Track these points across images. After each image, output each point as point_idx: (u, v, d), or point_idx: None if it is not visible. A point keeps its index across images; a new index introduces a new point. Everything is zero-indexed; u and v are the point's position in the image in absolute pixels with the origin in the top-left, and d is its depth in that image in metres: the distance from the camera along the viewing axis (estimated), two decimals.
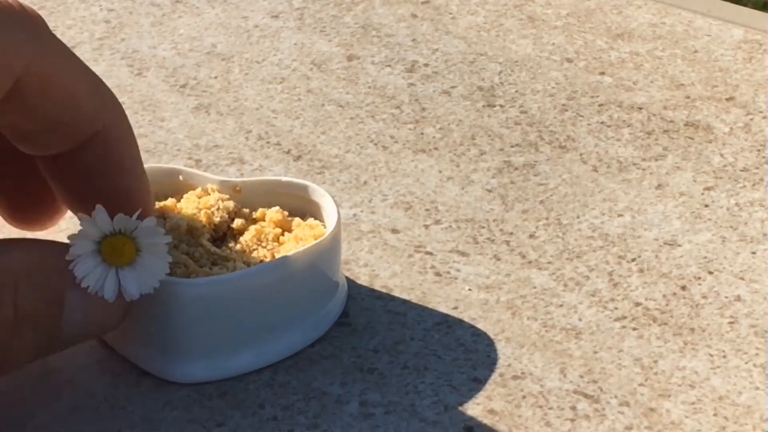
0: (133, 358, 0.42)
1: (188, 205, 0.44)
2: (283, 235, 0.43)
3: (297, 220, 0.44)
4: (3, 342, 0.37)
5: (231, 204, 0.44)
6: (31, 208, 0.43)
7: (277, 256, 0.42)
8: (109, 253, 0.39)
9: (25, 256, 0.38)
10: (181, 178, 0.45)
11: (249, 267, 0.42)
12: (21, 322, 0.37)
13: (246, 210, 0.45)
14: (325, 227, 0.43)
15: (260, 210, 0.44)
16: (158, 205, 0.44)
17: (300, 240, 0.43)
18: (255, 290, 0.41)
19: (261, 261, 0.42)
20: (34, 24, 0.37)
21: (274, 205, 0.44)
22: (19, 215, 0.43)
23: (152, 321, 0.41)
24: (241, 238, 0.43)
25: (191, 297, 0.40)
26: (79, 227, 0.38)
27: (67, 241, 0.39)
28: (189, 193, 0.45)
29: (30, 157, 0.40)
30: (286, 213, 0.44)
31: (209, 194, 0.45)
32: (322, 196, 0.44)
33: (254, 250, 0.43)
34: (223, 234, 0.44)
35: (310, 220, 0.44)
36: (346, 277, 0.46)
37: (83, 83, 0.39)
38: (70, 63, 0.38)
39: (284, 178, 0.45)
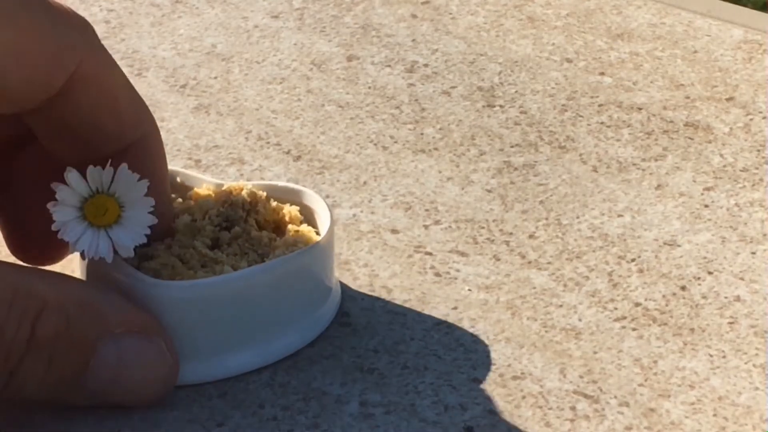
0: None
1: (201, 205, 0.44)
2: (275, 240, 0.43)
3: (290, 225, 0.44)
4: (4, 365, 0.36)
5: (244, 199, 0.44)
6: (39, 241, 0.42)
7: (267, 260, 0.42)
8: (94, 215, 0.39)
9: (60, 286, 0.38)
10: (178, 179, 0.45)
11: (234, 271, 0.42)
12: (33, 349, 0.37)
13: (242, 213, 0.44)
14: (318, 233, 0.43)
15: (278, 206, 0.44)
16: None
17: (291, 245, 0.43)
18: (236, 294, 0.41)
19: (249, 266, 0.42)
20: (85, 28, 0.38)
21: (269, 210, 0.44)
22: (27, 247, 0.43)
23: None
24: (234, 243, 0.43)
25: (169, 299, 0.40)
26: (57, 195, 0.39)
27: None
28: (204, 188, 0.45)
29: (40, 189, 0.40)
30: (297, 211, 0.44)
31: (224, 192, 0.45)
32: (316, 202, 0.44)
33: (245, 254, 0.43)
34: (223, 233, 0.44)
35: (303, 226, 0.44)
36: (346, 277, 0.46)
37: (125, 91, 0.39)
38: (115, 70, 0.39)
39: (280, 183, 0.45)
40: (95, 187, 0.39)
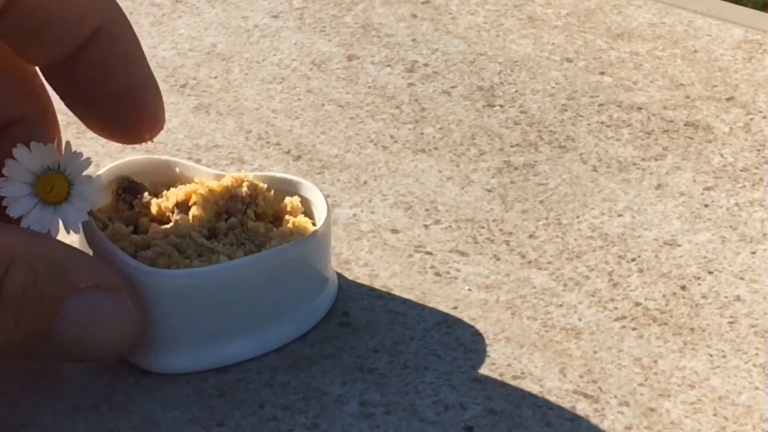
0: None
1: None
2: (273, 230, 0.43)
3: (287, 216, 0.44)
4: None
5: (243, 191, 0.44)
6: (127, 117, 0.42)
7: (263, 251, 0.42)
8: (46, 192, 0.39)
9: (29, 241, 0.38)
10: (177, 170, 0.45)
11: (230, 261, 0.42)
12: (3, 302, 0.37)
13: (241, 206, 0.44)
14: (315, 224, 0.44)
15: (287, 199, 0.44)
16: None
17: (288, 235, 0.43)
18: (232, 284, 0.41)
19: (245, 255, 0.42)
20: None
21: (267, 200, 0.44)
22: (115, 125, 0.42)
23: None
24: (231, 233, 0.43)
25: (165, 287, 0.41)
26: (5, 171, 0.39)
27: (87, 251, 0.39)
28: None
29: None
30: (298, 202, 0.44)
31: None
32: (313, 193, 0.44)
33: (242, 244, 0.43)
34: (218, 226, 0.44)
35: (300, 217, 0.44)
36: (346, 277, 0.46)
37: None
38: None
39: (278, 174, 0.45)
40: (45, 164, 0.39)
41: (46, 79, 0.41)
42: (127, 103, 0.40)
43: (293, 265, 0.42)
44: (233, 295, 0.41)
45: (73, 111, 0.42)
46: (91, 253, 0.42)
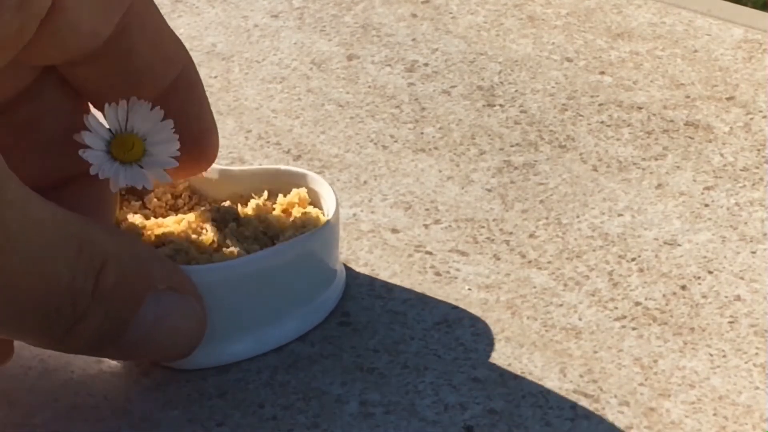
0: None
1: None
2: (283, 222, 0.44)
3: (297, 207, 0.44)
4: (71, 315, 0.37)
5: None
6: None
7: (277, 243, 0.43)
8: (122, 153, 0.40)
9: (120, 240, 0.38)
10: None
11: (248, 254, 0.42)
12: (96, 300, 0.37)
13: (254, 197, 0.45)
14: (324, 215, 0.44)
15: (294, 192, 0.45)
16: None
17: (299, 227, 0.43)
18: (253, 277, 0.42)
19: (261, 248, 0.42)
20: None
21: (274, 194, 0.45)
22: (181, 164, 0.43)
23: None
24: (242, 227, 0.43)
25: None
26: (84, 140, 0.40)
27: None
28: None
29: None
30: (305, 194, 0.44)
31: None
32: (320, 185, 0.44)
33: (256, 237, 0.43)
34: (228, 221, 0.44)
35: (310, 208, 0.44)
36: (346, 277, 0.46)
37: (167, 28, 0.40)
38: (156, 8, 0.39)
39: (283, 167, 0.46)
40: (114, 127, 0.40)
41: None
42: (195, 146, 0.42)
43: (310, 256, 0.43)
44: (255, 287, 0.42)
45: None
46: None
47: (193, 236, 0.43)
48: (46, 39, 0.37)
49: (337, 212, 0.43)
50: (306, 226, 0.43)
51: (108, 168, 0.40)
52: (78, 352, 0.39)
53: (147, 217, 0.44)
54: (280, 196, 0.45)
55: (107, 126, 0.40)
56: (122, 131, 0.40)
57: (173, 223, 0.43)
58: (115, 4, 0.38)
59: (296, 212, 0.44)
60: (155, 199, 0.45)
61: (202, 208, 0.45)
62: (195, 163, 0.44)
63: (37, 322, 0.37)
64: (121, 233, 0.40)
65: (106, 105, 0.40)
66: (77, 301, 0.37)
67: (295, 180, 0.45)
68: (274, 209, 0.44)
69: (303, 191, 0.45)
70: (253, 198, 0.45)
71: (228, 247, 0.42)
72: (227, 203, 0.45)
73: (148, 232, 0.43)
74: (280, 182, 0.45)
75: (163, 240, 0.42)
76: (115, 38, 0.38)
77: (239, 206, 0.45)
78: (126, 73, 0.40)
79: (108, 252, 0.37)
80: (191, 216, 0.43)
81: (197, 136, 0.43)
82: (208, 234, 0.43)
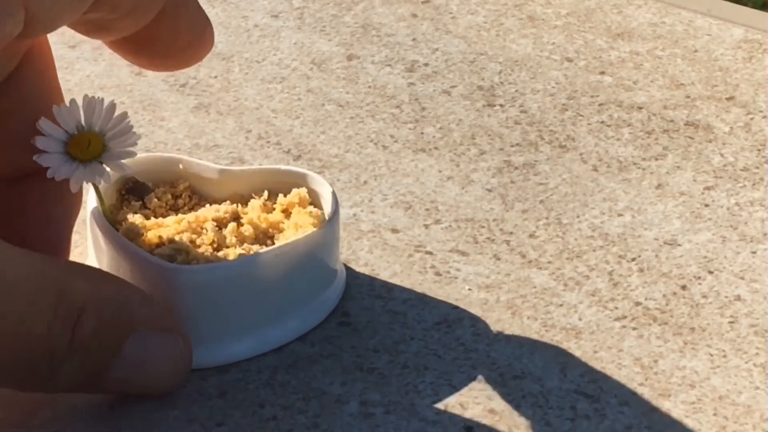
0: None
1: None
2: (283, 222, 0.44)
3: (297, 207, 0.44)
4: (48, 366, 0.37)
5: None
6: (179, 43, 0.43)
7: (277, 243, 0.43)
8: (80, 152, 0.40)
9: (98, 286, 0.38)
10: (181, 166, 0.46)
11: (248, 254, 0.42)
12: (74, 349, 0.37)
13: (254, 197, 0.45)
14: (324, 215, 0.44)
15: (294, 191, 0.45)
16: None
17: (299, 227, 0.43)
18: (254, 277, 0.42)
19: (261, 248, 0.42)
20: None
21: (274, 194, 0.45)
22: (179, 64, 0.43)
23: None
24: (243, 227, 0.43)
25: (191, 283, 0.41)
26: (38, 144, 0.40)
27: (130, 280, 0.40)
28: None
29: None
30: (305, 194, 0.44)
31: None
32: (321, 185, 0.44)
33: (256, 237, 0.43)
34: (228, 221, 0.44)
35: (310, 208, 0.44)
36: (346, 277, 0.46)
37: None
38: None
39: (283, 167, 0.46)
40: (70, 127, 0.40)
41: (110, 47, 0.42)
42: (191, 51, 0.42)
43: (311, 255, 0.43)
44: (255, 287, 0.42)
45: (136, 63, 0.42)
46: (104, 252, 0.42)
47: (193, 236, 0.43)
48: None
49: (337, 212, 0.43)
50: (306, 226, 0.43)
51: (65, 169, 0.40)
52: (64, 392, 0.39)
53: (147, 217, 0.44)
54: (281, 196, 0.45)
55: (62, 127, 0.40)
56: (79, 130, 0.40)
57: (173, 223, 0.43)
58: None
59: (296, 212, 0.44)
60: (155, 199, 0.45)
61: (202, 208, 0.45)
62: (192, 61, 0.43)
63: (16, 374, 0.37)
64: (102, 276, 0.40)
65: (55, 107, 0.40)
66: (54, 354, 0.37)
67: (296, 180, 0.45)
68: (274, 209, 0.44)
69: (303, 191, 0.45)
70: (253, 198, 0.45)
71: (228, 247, 0.42)
72: (227, 203, 0.45)
73: (148, 232, 0.43)
74: (280, 182, 0.45)
75: (163, 240, 0.42)
76: None
77: (239, 206, 0.45)
78: (112, 17, 0.39)
79: (86, 299, 0.37)
80: (191, 216, 0.43)
81: (192, 44, 0.42)
82: (208, 234, 0.43)
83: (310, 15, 0.63)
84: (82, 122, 0.40)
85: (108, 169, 0.41)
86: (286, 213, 0.44)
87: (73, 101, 0.40)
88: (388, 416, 0.40)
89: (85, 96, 0.40)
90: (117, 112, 0.41)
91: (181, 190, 0.46)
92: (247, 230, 0.43)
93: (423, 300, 0.45)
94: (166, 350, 0.39)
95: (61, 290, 0.37)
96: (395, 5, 0.63)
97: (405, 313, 0.44)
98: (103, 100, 0.40)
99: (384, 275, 0.46)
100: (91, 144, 0.40)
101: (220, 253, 0.42)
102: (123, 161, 0.41)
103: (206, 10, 0.43)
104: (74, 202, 0.43)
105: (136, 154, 0.41)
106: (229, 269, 0.41)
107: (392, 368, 0.42)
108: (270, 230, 0.44)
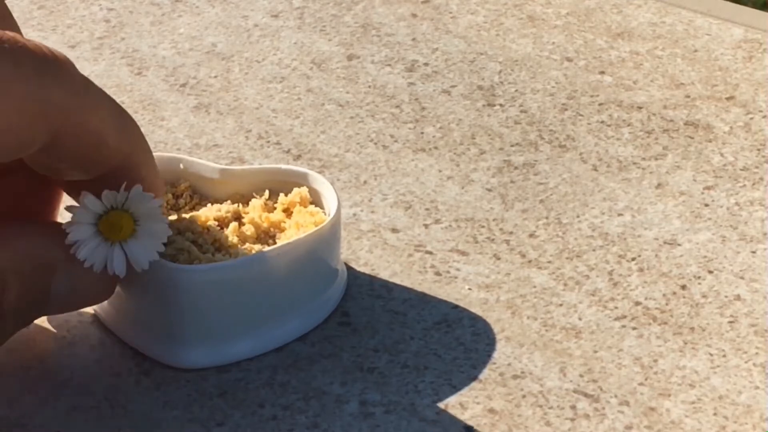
0: (134, 344, 0.42)
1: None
2: (285, 221, 0.44)
3: (298, 206, 0.44)
4: None
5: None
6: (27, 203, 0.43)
7: (279, 242, 0.43)
8: (109, 230, 0.39)
9: (13, 251, 0.39)
10: (181, 166, 0.46)
11: (249, 254, 0.42)
12: (5, 316, 0.38)
13: (255, 197, 0.45)
14: (325, 214, 0.44)
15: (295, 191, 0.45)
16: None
17: (301, 226, 0.43)
18: (256, 276, 0.42)
19: (262, 248, 0.42)
20: (66, 71, 0.37)
21: (275, 193, 0.45)
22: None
23: (154, 307, 0.41)
24: (244, 226, 0.43)
25: (193, 283, 0.41)
26: (71, 216, 0.39)
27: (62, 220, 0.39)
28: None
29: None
30: (306, 193, 0.44)
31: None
32: (321, 184, 0.44)
33: (257, 236, 0.43)
34: (230, 221, 0.44)
35: (311, 207, 0.44)
36: (346, 276, 0.46)
37: (111, 124, 0.39)
38: (100, 107, 0.38)
39: (284, 166, 0.46)
40: (109, 204, 0.39)
41: (61, 186, 0.42)
42: None
43: (313, 255, 0.43)
44: (256, 287, 0.42)
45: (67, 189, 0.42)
46: None
47: (194, 236, 0.43)
48: None
49: (338, 211, 0.43)
50: (308, 225, 0.43)
51: (88, 245, 0.39)
52: (11, 336, 0.40)
53: None
54: (282, 195, 0.45)
55: (102, 203, 0.39)
56: (116, 209, 0.40)
57: (174, 223, 0.43)
58: (39, 123, 0.37)
59: (298, 211, 0.44)
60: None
61: (203, 208, 0.45)
62: None
63: None
64: (16, 237, 0.40)
65: (105, 191, 0.39)
66: None
67: (297, 179, 0.45)
68: (275, 209, 0.44)
69: (304, 190, 0.45)
70: (254, 197, 0.45)
71: (229, 246, 0.42)
72: (228, 203, 0.45)
73: None
74: (281, 181, 0.45)
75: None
76: (51, 145, 0.37)
77: (240, 206, 0.45)
78: (66, 164, 0.39)
79: (5, 268, 0.38)
80: (191, 216, 0.43)
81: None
82: (209, 234, 0.43)
83: (310, 15, 0.63)
84: (124, 204, 0.40)
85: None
86: (288, 212, 0.44)
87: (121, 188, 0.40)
88: (388, 416, 0.40)
89: (135, 185, 0.40)
90: (156, 204, 0.40)
91: (181, 190, 0.46)
92: (248, 230, 0.43)
93: (423, 300, 0.45)
94: (87, 275, 0.40)
95: None
96: (395, 5, 0.63)
97: (405, 312, 0.44)
98: (150, 193, 0.40)
99: (384, 275, 0.46)
100: (124, 228, 0.40)
101: (221, 254, 0.42)
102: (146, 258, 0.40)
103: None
104: (51, 198, 0.43)
105: (157, 257, 0.40)
106: (229, 269, 0.41)
107: (392, 368, 0.42)
108: (271, 230, 0.44)
